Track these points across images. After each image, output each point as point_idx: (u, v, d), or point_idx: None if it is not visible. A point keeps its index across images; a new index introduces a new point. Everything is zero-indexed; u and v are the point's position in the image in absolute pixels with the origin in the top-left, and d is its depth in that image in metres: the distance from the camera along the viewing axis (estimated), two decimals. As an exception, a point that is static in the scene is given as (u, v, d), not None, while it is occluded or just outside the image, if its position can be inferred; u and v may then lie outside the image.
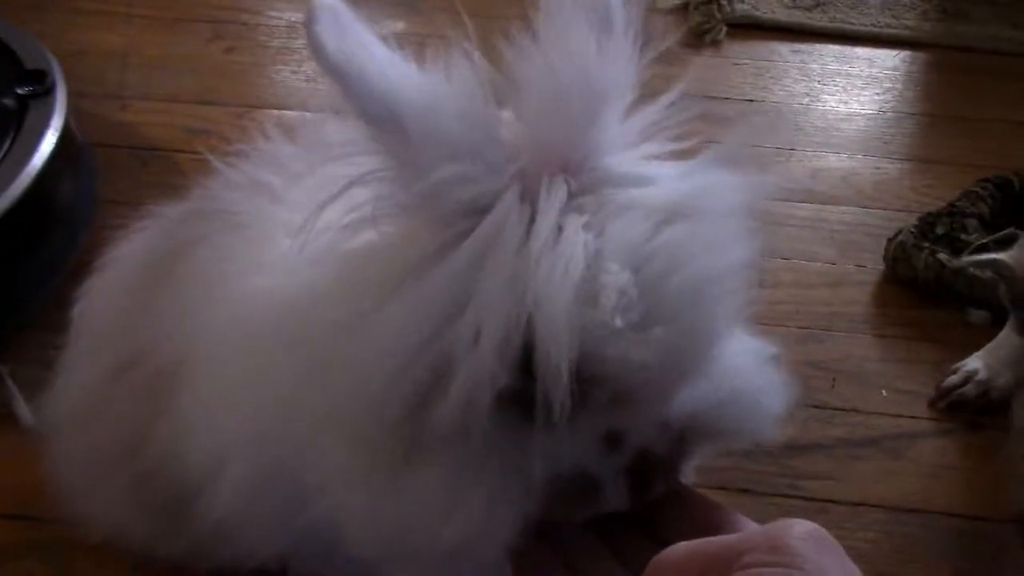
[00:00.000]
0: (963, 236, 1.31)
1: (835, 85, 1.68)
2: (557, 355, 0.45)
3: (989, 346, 1.16)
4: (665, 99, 0.53)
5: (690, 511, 0.53)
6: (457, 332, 0.47)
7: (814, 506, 1.04)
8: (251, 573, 0.75)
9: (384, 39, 0.50)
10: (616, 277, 0.47)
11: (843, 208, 1.43)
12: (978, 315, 1.26)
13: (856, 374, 1.19)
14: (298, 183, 0.62)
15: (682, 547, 0.42)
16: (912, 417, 1.15)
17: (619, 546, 0.53)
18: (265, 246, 0.63)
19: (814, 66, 1.72)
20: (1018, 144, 1.56)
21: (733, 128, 0.54)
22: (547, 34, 0.49)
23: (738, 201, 0.51)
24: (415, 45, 0.51)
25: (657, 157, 0.54)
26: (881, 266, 1.33)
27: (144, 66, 1.61)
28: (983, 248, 1.29)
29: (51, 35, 1.49)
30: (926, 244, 1.29)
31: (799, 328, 1.23)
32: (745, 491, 1.04)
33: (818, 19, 1.81)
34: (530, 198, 0.49)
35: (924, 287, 1.28)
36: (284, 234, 0.60)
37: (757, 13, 1.80)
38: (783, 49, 1.76)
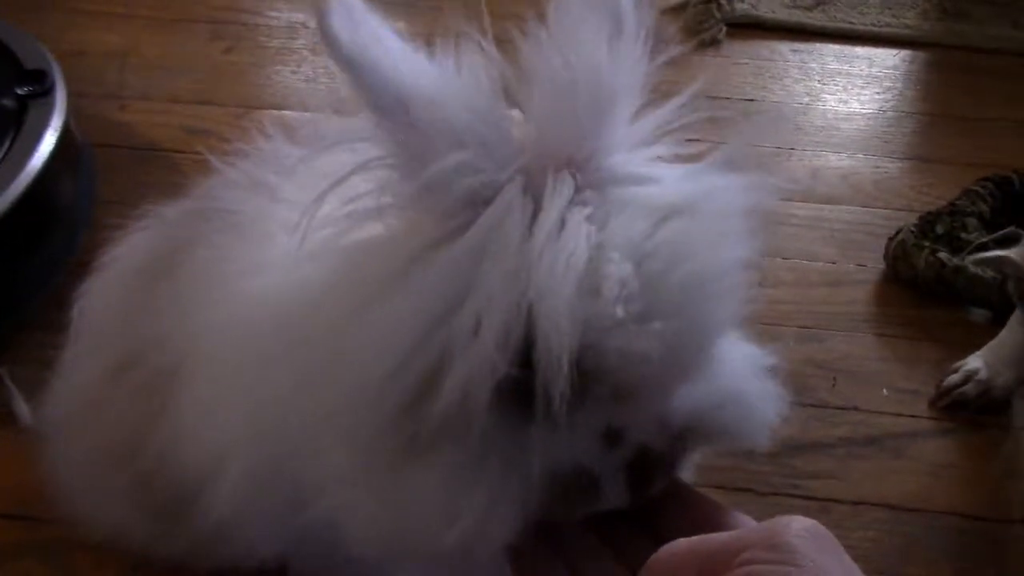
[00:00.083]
0: (963, 235, 1.31)
1: (835, 84, 1.68)
2: (558, 346, 0.45)
3: (990, 345, 1.16)
4: (674, 102, 0.54)
5: (690, 510, 0.53)
6: (457, 323, 0.47)
7: (815, 505, 1.03)
8: (251, 573, 0.75)
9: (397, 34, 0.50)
10: (618, 268, 0.47)
11: (843, 207, 1.43)
12: (979, 314, 1.26)
13: (857, 373, 1.19)
14: (296, 180, 0.62)
15: (681, 544, 0.42)
16: (913, 416, 1.14)
17: (619, 545, 0.53)
18: (264, 245, 0.63)
19: (814, 65, 1.72)
20: (1018, 143, 1.56)
21: (735, 129, 0.54)
22: (559, 32, 0.50)
23: (740, 202, 0.52)
24: (416, 44, 0.51)
25: (663, 159, 0.54)
26: (881, 265, 1.33)
27: (143, 66, 1.61)
28: (983, 247, 1.29)
29: (50, 35, 1.49)
30: (926, 243, 1.29)
31: (799, 327, 1.23)
32: (746, 490, 1.04)
33: (818, 18, 1.81)
34: (534, 192, 0.49)
35: (924, 286, 1.28)
36: (283, 233, 0.60)
37: (757, 12, 1.80)
38: (783, 48, 1.76)
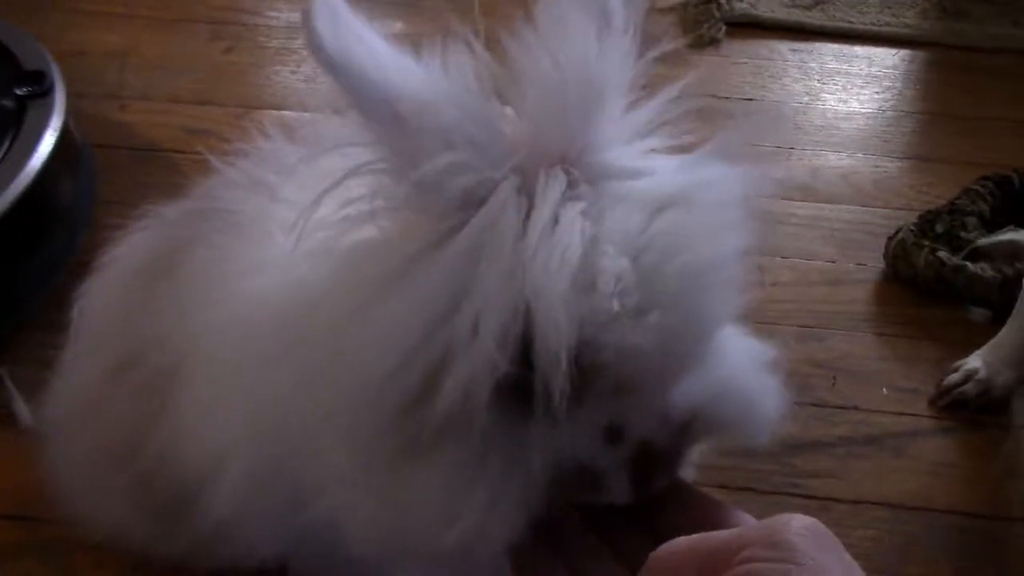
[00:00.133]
0: (963, 234, 1.31)
1: (834, 84, 1.68)
2: (556, 342, 0.45)
3: (989, 344, 1.16)
4: (664, 95, 0.54)
5: (690, 508, 0.53)
6: (456, 323, 0.47)
7: (815, 504, 1.03)
8: (251, 573, 0.75)
9: (384, 36, 0.50)
10: (613, 262, 0.47)
11: (843, 207, 1.43)
12: (978, 313, 1.26)
13: (857, 372, 1.19)
14: (296, 180, 0.62)
15: (681, 542, 0.42)
16: (913, 415, 1.15)
17: (619, 544, 0.53)
18: (264, 245, 0.63)
19: (813, 65, 1.72)
20: (1018, 142, 1.56)
21: (732, 124, 0.54)
22: (547, 29, 0.50)
23: (735, 192, 0.52)
24: (415, 44, 0.51)
25: (656, 152, 0.54)
26: (881, 264, 1.33)
27: (143, 66, 1.61)
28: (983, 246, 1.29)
29: (50, 36, 1.49)
30: (926, 242, 1.29)
31: (799, 326, 1.23)
32: (746, 489, 1.04)
33: (817, 18, 1.81)
34: (527, 190, 0.49)
35: (924, 285, 1.28)
36: (283, 232, 0.60)
37: (756, 12, 1.80)
38: (782, 48, 1.76)
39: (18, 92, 1.25)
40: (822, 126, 1.59)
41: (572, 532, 0.53)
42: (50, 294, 1.17)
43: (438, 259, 0.48)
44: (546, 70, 0.49)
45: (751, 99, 1.63)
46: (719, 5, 1.77)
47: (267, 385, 0.58)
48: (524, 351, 0.47)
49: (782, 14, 1.80)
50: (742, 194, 0.52)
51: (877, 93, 1.68)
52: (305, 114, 0.88)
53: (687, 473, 0.59)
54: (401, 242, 0.51)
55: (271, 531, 0.67)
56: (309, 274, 0.56)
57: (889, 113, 1.63)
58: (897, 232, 1.33)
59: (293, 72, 1.62)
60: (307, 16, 0.47)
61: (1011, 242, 1.25)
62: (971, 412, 1.14)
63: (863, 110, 1.64)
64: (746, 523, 0.50)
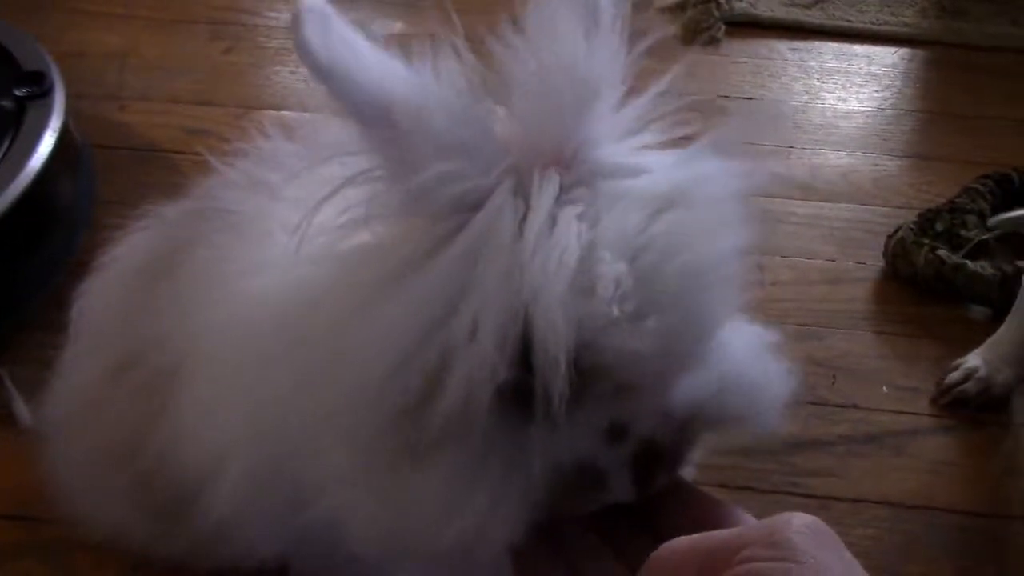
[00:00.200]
0: (963, 232, 1.31)
1: (834, 83, 1.68)
2: (555, 346, 0.45)
3: (989, 342, 1.16)
4: (655, 89, 0.53)
5: (690, 507, 0.53)
6: (454, 328, 0.47)
7: (815, 503, 1.03)
8: (251, 573, 0.75)
9: (376, 39, 0.50)
10: (611, 266, 0.47)
11: (843, 205, 1.43)
12: (978, 311, 1.26)
13: (856, 371, 1.19)
14: (296, 180, 0.62)
15: (681, 541, 0.42)
16: (913, 414, 1.14)
17: (619, 543, 0.53)
18: (264, 245, 0.63)
19: (813, 64, 1.72)
20: (1017, 141, 1.56)
21: (727, 117, 0.54)
22: (535, 29, 0.49)
23: (732, 188, 0.52)
24: (415, 44, 0.51)
25: (650, 148, 0.54)
26: (881, 263, 1.33)
27: (143, 67, 1.61)
28: (983, 244, 1.29)
29: (49, 36, 1.49)
30: (926, 241, 1.29)
31: (799, 325, 1.23)
32: (746, 488, 1.04)
33: (817, 17, 1.81)
34: (523, 193, 0.49)
35: (924, 283, 1.28)
36: (283, 232, 0.60)
37: (755, 11, 1.80)
38: (782, 47, 1.76)
39: (18, 93, 1.25)
40: (822, 125, 1.59)
41: (572, 532, 0.53)
42: (50, 294, 1.17)
43: (436, 262, 0.48)
44: (536, 70, 0.49)
45: (751, 98, 1.63)
46: (718, 4, 1.77)
47: (267, 385, 0.58)
48: (523, 354, 0.47)
49: (781, 13, 1.80)
50: (740, 190, 0.52)
51: (876, 92, 1.68)
52: (305, 114, 0.88)
53: (688, 473, 0.59)
54: (398, 246, 0.50)
55: (271, 531, 0.67)
56: (309, 275, 0.56)
57: (888, 112, 1.63)
58: (897, 230, 1.33)
59: (293, 72, 1.62)
60: (296, 23, 0.47)
61: (1020, 218, 1.24)
62: (971, 410, 1.14)
63: (862, 109, 1.63)
64: (746, 522, 0.50)
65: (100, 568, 0.92)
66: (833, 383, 1.17)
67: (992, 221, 1.28)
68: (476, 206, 0.48)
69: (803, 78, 1.69)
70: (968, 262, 1.26)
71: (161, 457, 0.69)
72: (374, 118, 0.48)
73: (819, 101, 1.64)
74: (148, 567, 0.88)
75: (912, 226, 1.32)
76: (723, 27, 1.75)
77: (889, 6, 1.85)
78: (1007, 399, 1.15)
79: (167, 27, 1.71)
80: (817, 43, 1.77)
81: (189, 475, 0.66)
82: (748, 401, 0.55)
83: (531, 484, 0.50)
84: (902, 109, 1.64)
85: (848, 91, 1.67)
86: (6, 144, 1.19)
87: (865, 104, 1.65)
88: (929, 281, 1.27)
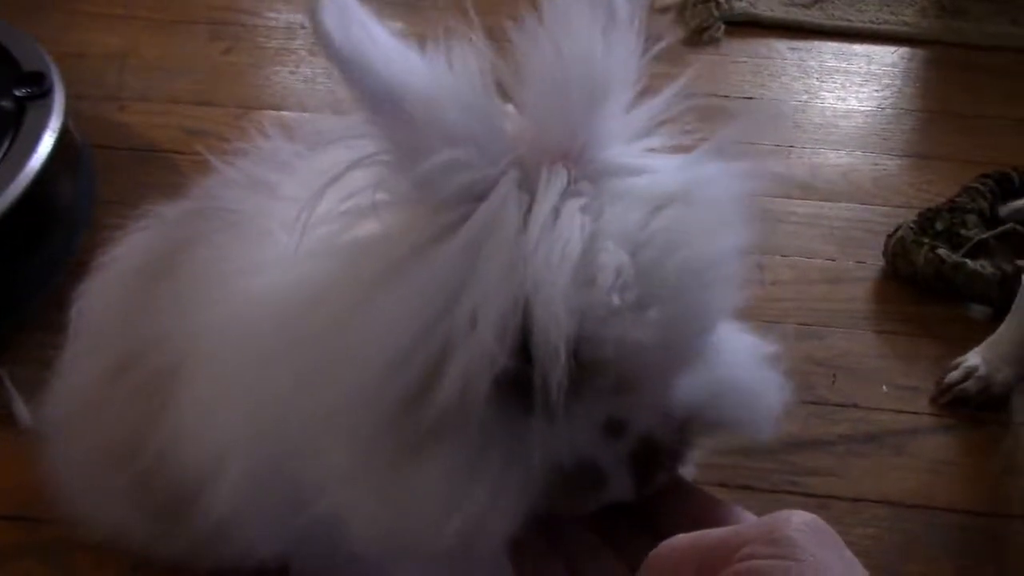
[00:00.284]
0: (963, 232, 1.31)
1: (834, 82, 1.68)
2: (555, 336, 0.45)
3: (989, 341, 1.16)
4: (666, 94, 0.54)
5: (690, 506, 0.53)
6: (455, 317, 0.47)
7: (815, 502, 1.03)
8: (251, 573, 0.75)
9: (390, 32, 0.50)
10: (613, 256, 0.47)
11: (842, 205, 1.43)
12: (978, 310, 1.26)
13: (856, 370, 1.19)
14: (296, 178, 0.62)
15: (681, 539, 0.42)
16: (913, 413, 1.14)
17: (619, 541, 0.53)
18: (263, 243, 0.63)
19: (812, 63, 1.72)
20: (1017, 140, 1.56)
21: (731, 122, 0.54)
22: (551, 24, 0.50)
23: (735, 189, 0.52)
24: (417, 43, 0.51)
25: (657, 151, 0.54)
26: (881, 262, 1.33)
27: (142, 67, 1.61)
28: (983, 244, 1.29)
29: (49, 37, 1.49)
30: (926, 240, 1.29)
31: (799, 324, 1.23)
32: (746, 488, 1.04)
33: (816, 16, 1.81)
34: (528, 186, 0.49)
35: (924, 283, 1.28)
36: (283, 231, 0.60)
37: (755, 11, 1.80)
38: (781, 47, 1.76)
39: (17, 93, 1.25)
40: (821, 124, 1.59)
41: (572, 530, 0.53)
42: (50, 294, 1.17)
43: (438, 253, 0.48)
44: (550, 66, 0.49)
45: (750, 98, 1.63)
46: (718, 4, 1.77)
47: (267, 384, 0.58)
48: (523, 345, 0.47)
49: (781, 13, 1.80)
50: (741, 191, 0.52)
51: (876, 91, 1.68)
52: (304, 114, 0.88)
53: (688, 472, 0.59)
54: (402, 236, 0.51)
55: (271, 531, 0.67)
56: (309, 272, 0.56)
57: (888, 111, 1.63)
58: (897, 230, 1.33)
59: (292, 72, 1.62)
60: (314, 7, 0.48)
61: None
62: (971, 409, 1.14)
63: (862, 108, 1.63)
64: (745, 520, 0.50)
65: (100, 568, 0.92)
66: (833, 382, 1.17)
67: (1004, 210, 1.27)
68: (481, 196, 0.48)
69: (803, 78, 1.69)
70: (968, 261, 1.26)
71: (161, 457, 0.69)
72: (387, 104, 0.48)
73: (819, 100, 1.64)
74: (148, 567, 0.88)
75: (912, 225, 1.32)
76: (723, 27, 1.75)
77: (888, 5, 1.85)
78: (1007, 398, 1.15)
79: (167, 27, 1.71)
80: (817, 43, 1.77)
81: (189, 475, 0.66)
82: (744, 407, 0.55)
83: (530, 477, 0.50)
84: (902, 108, 1.64)
85: (848, 90, 1.67)
86: (6, 144, 1.19)
87: (865, 103, 1.65)
88: (929, 280, 1.27)
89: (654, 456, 0.51)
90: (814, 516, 0.40)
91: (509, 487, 0.49)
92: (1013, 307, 1.13)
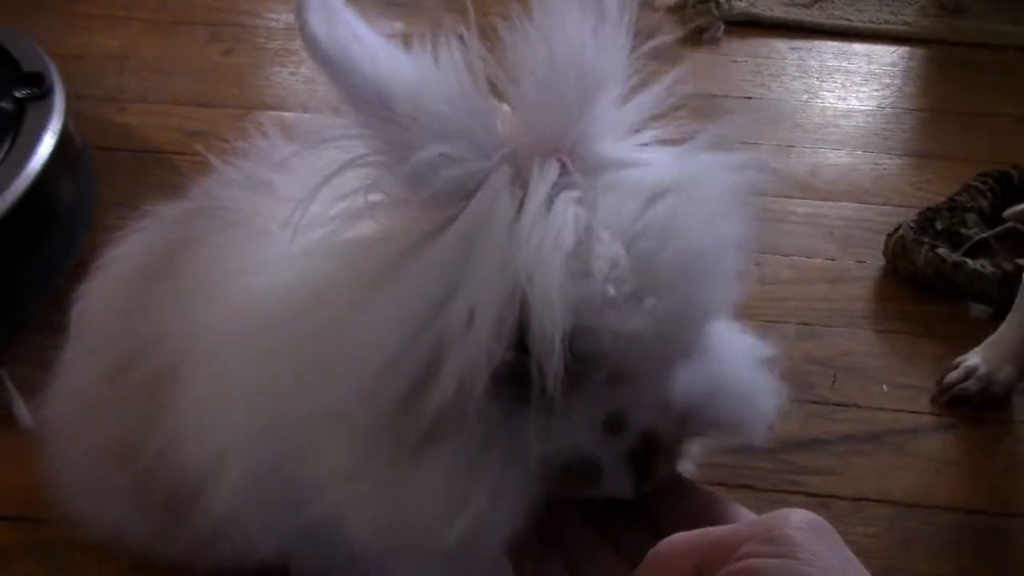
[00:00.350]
0: (963, 231, 1.31)
1: (834, 82, 1.68)
2: (551, 326, 0.45)
3: (989, 340, 1.16)
4: (658, 89, 0.54)
5: (690, 504, 0.53)
6: (451, 313, 0.47)
7: (815, 501, 1.03)
8: (251, 572, 0.75)
9: (378, 32, 0.50)
10: (608, 247, 0.47)
11: (842, 204, 1.43)
12: (978, 309, 1.26)
13: (857, 369, 1.19)
14: (293, 177, 0.62)
15: (680, 537, 0.42)
16: (913, 412, 1.14)
17: (618, 540, 0.53)
18: (263, 243, 0.63)
19: (812, 63, 1.72)
20: (1017, 139, 1.56)
21: (727, 114, 0.54)
22: (542, 20, 0.50)
23: (730, 180, 0.52)
24: (411, 42, 0.51)
25: (650, 146, 0.54)
26: (881, 261, 1.33)
27: (142, 69, 1.61)
28: (983, 243, 1.29)
29: (49, 38, 1.49)
30: (926, 239, 1.29)
31: (799, 324, 1.23)
32: (745, 487, 1.04)
33: (816, 16, 1.81)
34: (521, 180, 0.49)
35: (924, 282, 1.28)
36: (280, 230, 0.60)
37: (755, 10, 1.80)
38: (781, 46, 1.76)
39: (17, 94, 1.25)
40: (821, 124, 1.59)
41: (572, 528, 0.53)
42: (50, 295, 1.17)
43: (433, 249, 0.48)
44: (540, 63, 0.49)
45: (750, 97, 1.63)
46: (718, 4, 1.77)
47: (267, 384, 0.58)
48: (520, 338, 0.47)
49: (781, 12, 1.80)
50: (736, 182, 0.52)
51: (876, 90, 1.68)
52: (304, 115, 0.88)
53: (688, 471, 0.59)
54: (397, 234, 0.51)
55: (271, 530, 0.67)
56: (308, 270, 0.56)
57: (888, 110, 1.63)
58: (897, 229, 1.32)
59: (292, 73, 1.62)
60: (300, 9, 0.48)
61: None
62: (972, 408, 1.13)
63: (862, 107, 1.63)
64: (744, 518, 0.50)
65: (100, 568, 0.92)
66: (833, 382, 1.16)
67: (1007, 212, 1.27)
68: (473, 191, 0.49)
69: (803, 77, 1.69)
70: (968, 260, 1.26)
71: (161, 457, 0.69)
72: (374, 103, 0.49)
73: (819, 100, 1.64)
74: (148, 567, 0.88)
75: (912, 224, 1.32)
76: (723, 26, 1.75)
77: (889, 5, 1.85)
78: (1008, 397, 1.14)
79: (166, 29, 1.71)
80: (817, 42, 1.77)
81: (189, 475, 0.66)
82: (739, 408, 0.55)
83: (530, 474, 0.50)
84: (902, 108, 1.64)
85: (848, 90, 1.67)
86: (6, 146, 1.19)
87: (865, 103, 1.65)
88: (929, 279, 1.27)
89: (653, 452, 0.51)
90: (814, 515, 0.40)
91: (509, 486, 0.49)
92: (1014, 306, 1.13)
